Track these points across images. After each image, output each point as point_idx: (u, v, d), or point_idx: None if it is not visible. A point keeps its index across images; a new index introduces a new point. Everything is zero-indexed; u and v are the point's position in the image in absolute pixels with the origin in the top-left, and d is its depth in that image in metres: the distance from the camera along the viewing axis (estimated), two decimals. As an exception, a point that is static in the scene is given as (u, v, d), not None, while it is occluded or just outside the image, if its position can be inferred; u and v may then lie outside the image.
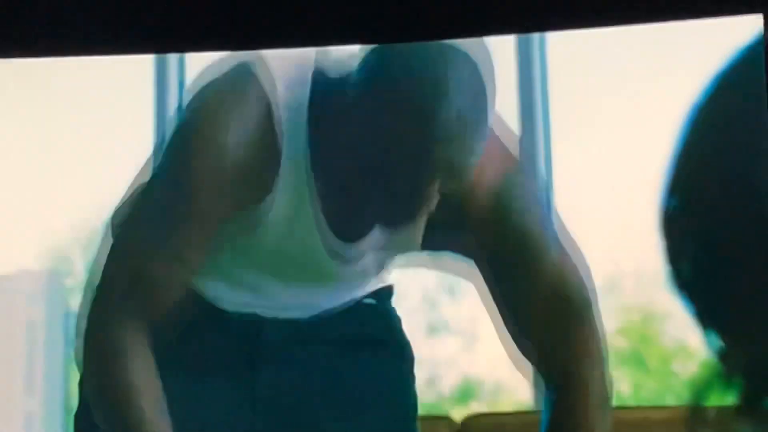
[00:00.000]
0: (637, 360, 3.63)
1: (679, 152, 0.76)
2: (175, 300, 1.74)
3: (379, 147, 1.64)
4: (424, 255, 1.83)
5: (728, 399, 0.72)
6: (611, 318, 3.58)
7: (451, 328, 3.57)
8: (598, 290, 3.55)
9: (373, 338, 1.92)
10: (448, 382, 3.86)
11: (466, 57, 1.67)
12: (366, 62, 1.69)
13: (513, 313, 1.79)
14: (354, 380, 1.90)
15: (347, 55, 1.73)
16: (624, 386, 3.63)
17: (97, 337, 1.79)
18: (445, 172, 1.65)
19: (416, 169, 1.64)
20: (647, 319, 3.59)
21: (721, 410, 0.72)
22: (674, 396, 3.56)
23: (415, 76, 1.64)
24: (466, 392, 3.85)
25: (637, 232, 3.41)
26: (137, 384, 1.72)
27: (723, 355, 0.73)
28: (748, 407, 0.71)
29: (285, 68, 1.76)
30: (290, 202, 1.73)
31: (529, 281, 1.77)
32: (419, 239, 1.76)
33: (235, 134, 1.70)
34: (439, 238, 1.77)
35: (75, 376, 4.03)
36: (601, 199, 3.46)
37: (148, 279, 1.75)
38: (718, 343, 0.73)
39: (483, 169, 1.73)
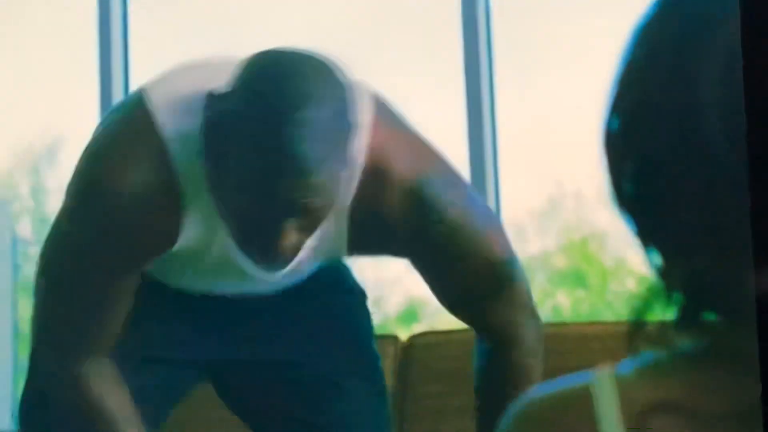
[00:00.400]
0: (577, 278, 3.71)
1: (622, 72, 0.77)
2: (119, 326, 1.80)
3: (257, 174, 1.61)
4: (354, 257, 1.86)
5: (668, 314, 0.76)
6: (553, 237, 3.65)
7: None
8: (541, 211, 3.60)
9: (329, 283, 1.97)
10: (394, 303, 3.92)
11: (330, 69, 1.63)
12: (239, 77, 1.64)
13: (446, 292, 1.83)
14: (317, 317, 1.96)
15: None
16: (564, 303, 3.72)
17: (54, 373, 1.84)
18: (296, 211, 1.60)
19: (267, 207, 1.61)
20: (587, 239, 3.66)
21: (662, 325, 0.76)
22: (612, 312, 3.65)
23: (272, 96, 1.60)
24: (410, 313, 3.91)
25: (579, 153, 3.46)
26: (102, 405, 1.78)
27: (663, 272, 0.76)
28: (687, 322, 0.74)
29: (177, 92, 1.71)
30: (204, 237, 1.76)
31: (459, 266, 1.79)
32: (344, 246, 1.79)
33: (134, 185, 1.70)
34: (367, 240, 1.80)
35: (23, 302, 4.05)
36: (544, 121, 3.51)
37: (86, 323, 1.80)
38: (659, 260, 0.76)
39: (393, 170, 1.72)
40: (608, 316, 3.63)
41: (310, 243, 1.71)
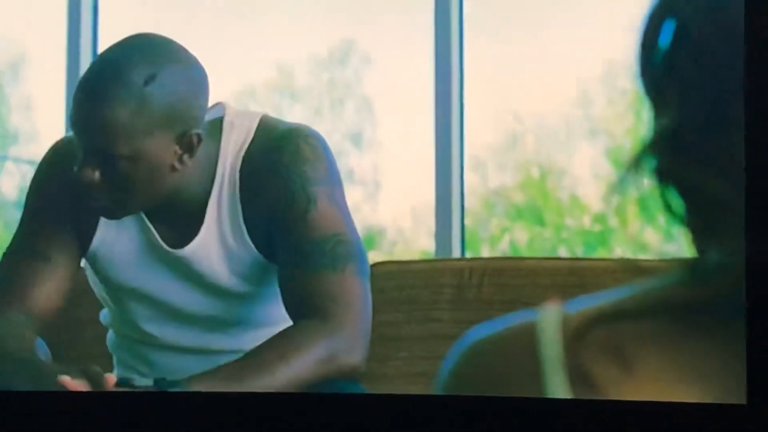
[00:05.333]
0: (534, 214, 3.75)
1: None
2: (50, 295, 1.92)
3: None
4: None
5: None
6: (511, 173, 3.69)
7: (355, 178, 3.65)
8: (501, 146, 3.63)
9: None
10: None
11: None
12: None
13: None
14: None
15: None
16: (521, 238, 3.76)
17: None
18: None
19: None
20: (545, 175, 3.70)
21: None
22: (567, 247, 3.70)
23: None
24: (368, 242, 3.95)
25: (538, 89, 3.49)
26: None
27: (664, 131, 0.74)
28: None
29: None
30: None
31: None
32: (240, 222, 1.91)
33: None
34: (253, 210, 1.91)
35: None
36: (507, 56, 3.53)
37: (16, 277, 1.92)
38: (667, 120, 0.74)
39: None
40: (563, 252, 3.68)
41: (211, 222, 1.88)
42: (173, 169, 1.82)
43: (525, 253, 3.69)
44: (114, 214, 1.86)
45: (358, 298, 1.84)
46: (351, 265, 1.85)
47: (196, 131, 1.81)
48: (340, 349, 1.80)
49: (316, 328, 1.79)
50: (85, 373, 1.67)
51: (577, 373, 0.72)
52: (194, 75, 1.82)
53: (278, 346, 1.78)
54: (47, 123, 3.77)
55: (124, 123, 1.75)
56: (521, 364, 0.75)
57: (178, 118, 1.79)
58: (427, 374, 2.28)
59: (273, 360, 1.76)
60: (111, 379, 1.66)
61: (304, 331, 1.79)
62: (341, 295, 1.82)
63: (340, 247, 1.86)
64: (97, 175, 1.78)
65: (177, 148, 1.81)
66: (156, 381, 1.71)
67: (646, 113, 0.80)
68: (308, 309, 1.81)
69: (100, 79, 1.77)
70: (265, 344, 1.79)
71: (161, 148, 1.79)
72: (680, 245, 0.78)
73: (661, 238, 3.39)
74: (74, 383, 1.66)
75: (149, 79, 1.76)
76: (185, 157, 1.81)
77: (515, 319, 0.78)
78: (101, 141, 1.76)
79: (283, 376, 1.75)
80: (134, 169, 1.78)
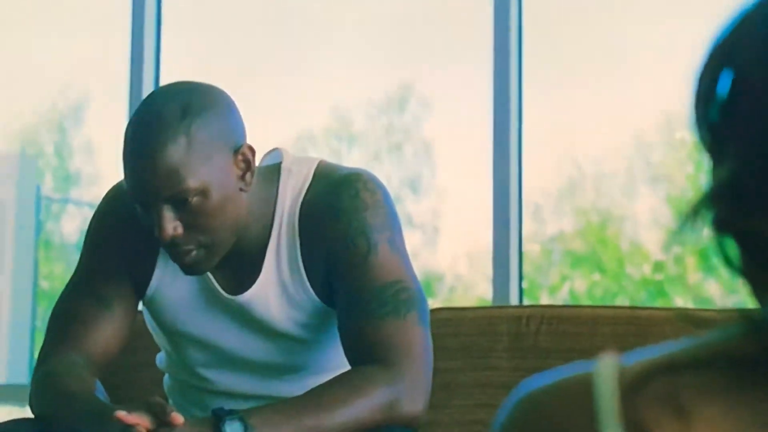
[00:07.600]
0: (593, 261, 3.72)
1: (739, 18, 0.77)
2: (107, 337, 1.91)
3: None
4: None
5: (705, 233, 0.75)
6: (571, 220, 3.66)
7: (413, 223, 3.65)
8: (561, 192, 3.62)
9: None
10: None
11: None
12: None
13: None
14: None
15: None
16: (580, 286, 3.73)
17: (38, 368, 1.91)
18: None
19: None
20: (605, 222, 3.67)
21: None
22: (627, 296, 3.66)
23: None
24: (425, 288, 3.94)
25: (600, 137, 3.47)
26: (70, 390, 1.82)
27: (725, 180, 0.75)
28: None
29: None
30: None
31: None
32: (300, 266, 1.88)
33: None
34: (314, 258, 1.89)
35: (43, 257, 4.09)
36: (566, 103, 3.52)
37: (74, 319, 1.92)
38: (726, 170, 0.75)
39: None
40: (621, 300, 3.64)
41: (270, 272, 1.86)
42: (241, 191, 1.81)
43: (584, 302, 3.65)
44: (205, 264, 1.81)
45: (419, 346, 1.82)
46: (413, 312, 1.83)
47: (247, 144, 1.81)
48: (401, 396, 1.77)
49: (377, 373, 1.76)
50: (148, 405, 1.63)
51: (634, 427, 0.71)
52: (221, 95, 1.85)
53: (339, 387, 1.75)
54: (108, 166, 3.81)
55: (182, 159, 1.75)
56: (576, 416, 0.73)
57: (225, 135, 1.79)
58: (482, 422, 2.25)
59: (333, 400, 1.73)
60: (177, 418, 1.63)
61: (365, 376, 1.77)
62: (403, 343, 1.80)
63: (402, 294, 1.84)
64: (178, 227, 1.76)
65: (235, 168, 1.81)
66: (214, 411, 1.70)
67: (705, 162, 0.79)
68: (370, 356, 1.79)
69: (143, 136, 1.77)
70: (325, 384, 1.77)
71: (224, 170, 1.78)
72: (741, 297, 0.77)
73: (722, 290, 3.34)
74: (132, 418, 1.63)
75: (185, 109, 1.79)
76: (247, 175, 1.80)
77: (572, 370, 0.76)
78: (170, 186, 1.75)
79: (342, 417, 1.73)
80: (208, 202, 1.77)
